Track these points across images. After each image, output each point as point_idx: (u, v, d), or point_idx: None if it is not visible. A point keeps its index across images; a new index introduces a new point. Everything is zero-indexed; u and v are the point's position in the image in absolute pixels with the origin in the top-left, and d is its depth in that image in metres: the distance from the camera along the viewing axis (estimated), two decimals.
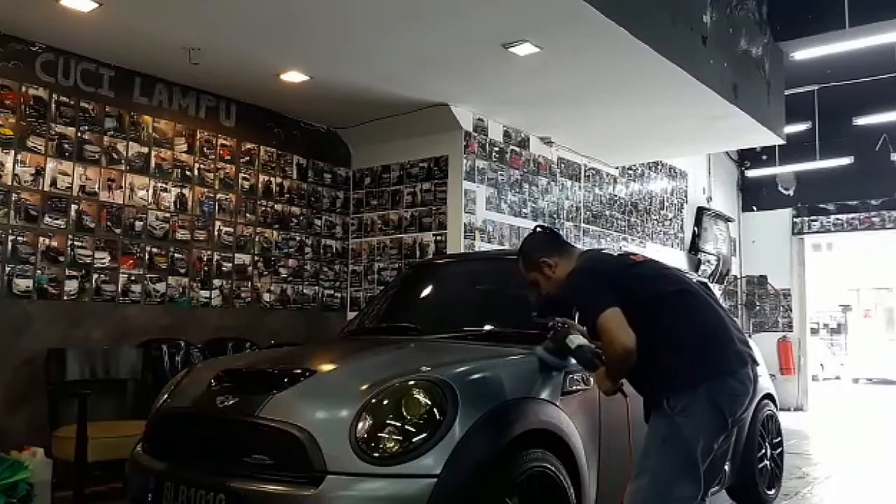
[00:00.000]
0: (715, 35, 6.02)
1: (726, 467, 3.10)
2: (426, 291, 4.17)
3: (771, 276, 11.18)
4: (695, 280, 3.43)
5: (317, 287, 6.60)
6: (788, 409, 10.35)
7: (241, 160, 6.06)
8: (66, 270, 4.91)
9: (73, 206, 4.96)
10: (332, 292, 6.74)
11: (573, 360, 2.74)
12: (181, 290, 5.56)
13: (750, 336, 8.64)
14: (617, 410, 2.92)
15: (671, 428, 2.41)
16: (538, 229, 2.88)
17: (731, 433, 2.59)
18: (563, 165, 7.58)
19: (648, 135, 7.26)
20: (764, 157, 11.24)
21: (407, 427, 2.35)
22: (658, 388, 2.49)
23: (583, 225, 7.88)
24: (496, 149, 6.67)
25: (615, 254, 2.99)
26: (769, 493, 4.58)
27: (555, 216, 7.41)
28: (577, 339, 2.66)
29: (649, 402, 2.55)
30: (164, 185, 5.49)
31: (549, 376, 2.79)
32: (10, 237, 4.65)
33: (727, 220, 11.13)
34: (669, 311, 2.52)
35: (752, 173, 11.64)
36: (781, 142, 7.82)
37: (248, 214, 6.06)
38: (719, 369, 2.46)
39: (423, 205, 6.48)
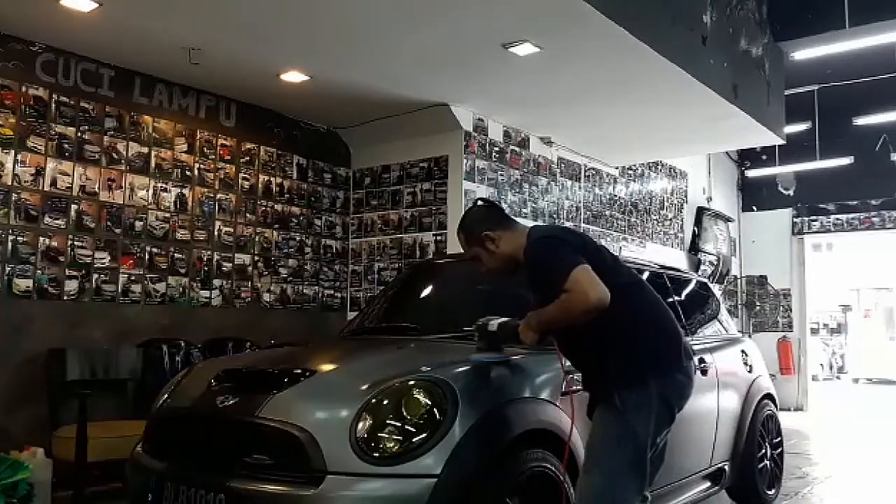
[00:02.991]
0: (715, 35, 6.02)
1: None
2: (426, 291, 4.17)
3: (771, 276, 11.18)
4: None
5: (317, 287, 6.60)
6: (788, 409, 10.35)
7: (241, 160, 6.06)
8: (66, 270, 4.91)
9: (73, 206, 4.96)
10: (332, 292, 6.74)
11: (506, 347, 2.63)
12: (181, 290, 5.56)
13: (750, 336, 8.67)
14: None
15: (623, 424, 2.38)
16: (479, 202, 2.76)
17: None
18: (563, 165, 7.58)
19: (648, 135, 7.26)
20: (764, 157, 11.24)
21: (407, 427, 2.35)
22: (608, 383, 2.45)
23: (583, 225, 7.88)
24: (496, 149, 6.67)
25: (576, 230, 2.91)
26: (769, 493, 4.58)
27: (555, 216, 7.41)
28: (495, 320, 2.57)
29: (598, 396, 2.51)
30: (164, 185, 5.49)
31: (548, 376, 2.78)
32: (10, 237, 4.65)
33: (727, 220, 11.13)
34: (622, 304, 2.38)
35: (752, 173, 11.64)
36: (781, 142, 7.82)
37: (248, 214, 6.06)
38: (669, 364, 2.48)
39: (423, 205, 6.48)
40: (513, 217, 2.77)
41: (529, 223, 6.92)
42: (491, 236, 2.59)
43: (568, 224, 7.59)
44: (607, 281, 2.34)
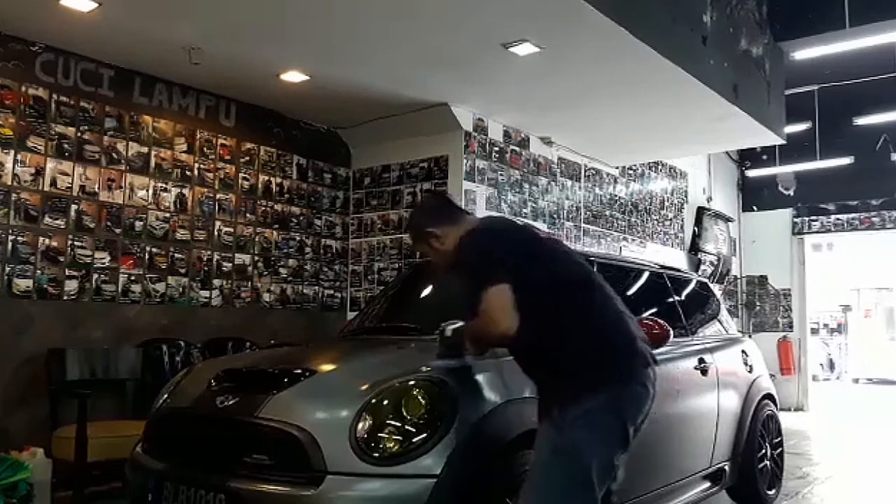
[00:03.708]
0: (715, 35, 6.01)
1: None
2: (426, 291, 4.17)
3: (771, 276, 11.18)
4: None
5: (317, 287, 6.60)
6: (788, 410, 10.35)
7: (241, 160, 6.06)
8: (66, 270, 4.91)
9: (73, 206, 4.96)
10: (332, 292, 6.74)
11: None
12: (181, 290, 5.56)
13: (750, 336, 8.66)
14: None
15: (562, 441, 2.09)
16: (428, 195, 2.68)
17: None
18: (563, 165, 7.58)
19: (648, 135, 7.26)
20: (764, 157, 11.24)
21: (407, 427, 2.35)
22: (553, 393, 2.20)
23: (583, 225, 7.88)
24: (496, 149, 6.67)
25: (520, 223, 2.58)
26: (769, 493, 4.58)
27: (555, 216, 7.41)
28: (452, 325, 2.49)
29: (542, 407, 2.24)
30: (164, 185, 5.49)
31: None
32: (10, 237, 4.65)
33: (727, 220, 11.13)
34: (572, 303, 2.23)
35: (752, 173, 11.64)
36: (781, 142, 7.82)
37: (248, 214, 6.06)
38: (623, 373, 2.19)
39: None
40: (464, 209, 2.64)
41: (530, 223, 6.97)
42: (436, 233, 2.42)
43: (568, 224, 7.60)
44: (555, 275, 2.21)
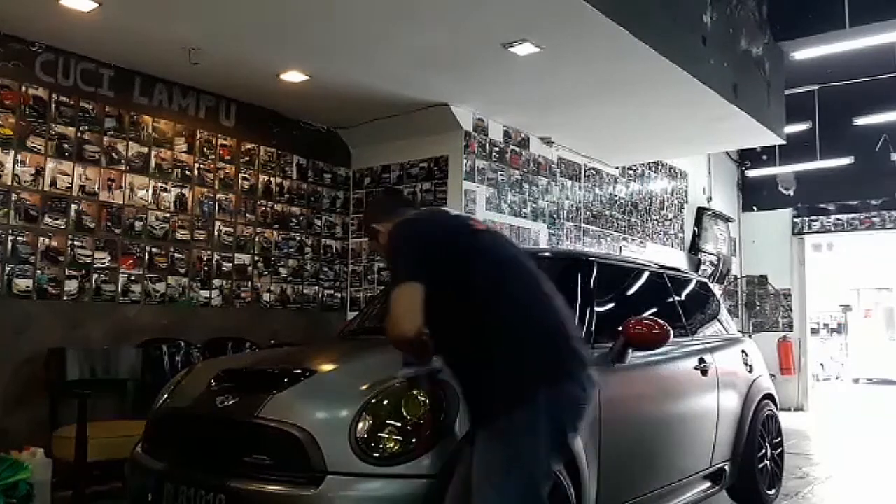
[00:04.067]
0: (715, 35, 6.01)
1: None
2: None
3: (771, 276, 11.18)
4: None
5: (317, 287, 6.60)
6: (788, 410, 10.35)
7: (241, 160, 6.06)
8: (66, 270, 4.91)
9: (73, 206, 4.96)
10: (332, 292, 6.74)
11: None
12: (181, 290, 5.56)
13: (750, 336, 8.67)
14: (618, 410, 2.92)
15: (512, 451, 1.99)
16: (379, 191, 2.64)
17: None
18: (563, 165, 7.58)
19: (648, 135, 7.26)
20: (764, 157, 11.24)
21: (407, 427, 2.35)
22: (489, 400, 2.06)
23: (583, 225, 7.88)
24: (496, 149, 6.67)
25: (454, 213, 2.43)
26: (769, 493, 4.58)
27: (555, 216, 7.41)
28: None
29: (478, 414, 2.13)
30: (164, 185, 5.49)
31: None
32: (10, 237, 4.65)
33: (727, 220, 11.13)
34: (507, 300, 2.10)
35: (752, 173, 11.64)
36: (781, 142, 7.82)
37: (248, 214, 6.06)
38: (559, 373, 2.05)
39: (424, 205, 6.47)
40: (410, 203, 2.58)
41: (529, 223, 6.98)
42: (377, 229, 2.40)
43: (568, 224, 7.60)
44: (488, 270, 2.09)
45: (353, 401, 2.40)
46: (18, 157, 4.72)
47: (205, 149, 5.79)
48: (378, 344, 3.32)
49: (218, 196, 5.85)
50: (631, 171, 8.93)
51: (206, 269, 5.74)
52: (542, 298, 2.17)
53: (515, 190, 6.88)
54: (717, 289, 9.15)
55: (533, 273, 2.23)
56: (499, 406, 2.02)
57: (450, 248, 2.12)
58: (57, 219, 4.87)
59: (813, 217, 11.13)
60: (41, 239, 4.79)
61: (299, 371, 2.63)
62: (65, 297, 4.89)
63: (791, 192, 11.38)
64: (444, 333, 2.15)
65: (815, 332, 15.99)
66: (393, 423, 2.35)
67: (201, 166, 5.75)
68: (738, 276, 11.37)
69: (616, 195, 8.59)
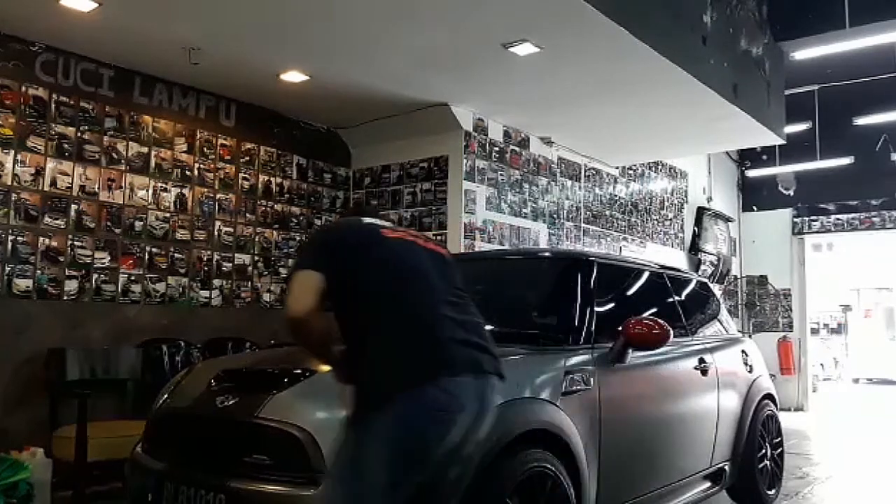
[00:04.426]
0: (715, 35, 6.01)
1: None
2: None
3: (771, 276, 11.18)
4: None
5: None
6: (789, 410, 10.35)
7: (241, 160, 6.06)
8: (66, 270, 4.91)
9: (73, 206, 4.96)
10: None
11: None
12: (181, 290, 5.56)
13: (750, 336, 8.67)
14: (618, 410, 2.91)
15: (352, 453, 1.95)
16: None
17: (450, 468, 2.01)
18: (563, 165, 7.58)
19: (648, 135, 7.26)
20: (764, 157, 11.24)
21: None
22: (361, 398, 2.02)
23: (583, 225, 7.88)
24: (496, 149, 6.67)
25: (368, 220, 2.33)
26: (769, 493, 4.58)
27: (555, 216, 7.41)
28: None
29: (352, 412, 2.07)
30: (164, 185, 5.49)
31: (549, 376, 2.78)
32: (10, 237, 4.65)
33: (727, 220, 11.13)
34: (390, 301, 2.05)
35: (752, 173, 11.64)
36: (781, 142, 7.82)
37: (248, 214, 6.06)
38: (423, 375, 1.93)
39: (423, 205, 6.48)
40: (369, 212, 2.58)
41: (529, 223, 6.97)
42: None
43: (568, 224, 7.59)
44: (383, 277, 2.07)
45: None
46: (18, 157, 4.72)
47: (205, 149, 5.79)
48: None
49: (218, 196, 5.85)
50: (631, 171, 8.93)
51: (206, 269, 5.74)
52: (431, 304, 2.07)
53: (515, 190, 6.88)
54: (717, 289, 9.15)
55: (431, 281, 2.14)
56: (363, 406, 1.99)
57: (350, 249, 2.14)
58: (57, 219, 4.87)
59: (813, 217, 11.13)
60: (41, 239, 4.79)
61: (299, 371, 2.63)
62: (65, 297, 4.89)
63: (791, 192, 11.38)
64: (342, 331, 2.16)
65: (815, 332, 15.99)
66: None
67: (201, 166, 5.75)
68: (738, 276, 11.37)
69: (616, 195, 8.59)
